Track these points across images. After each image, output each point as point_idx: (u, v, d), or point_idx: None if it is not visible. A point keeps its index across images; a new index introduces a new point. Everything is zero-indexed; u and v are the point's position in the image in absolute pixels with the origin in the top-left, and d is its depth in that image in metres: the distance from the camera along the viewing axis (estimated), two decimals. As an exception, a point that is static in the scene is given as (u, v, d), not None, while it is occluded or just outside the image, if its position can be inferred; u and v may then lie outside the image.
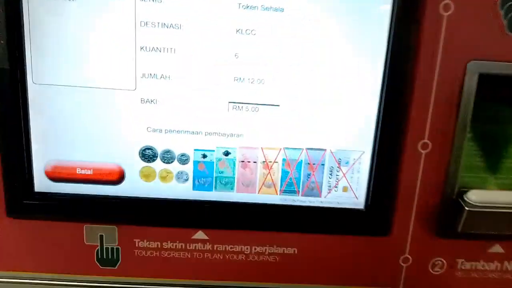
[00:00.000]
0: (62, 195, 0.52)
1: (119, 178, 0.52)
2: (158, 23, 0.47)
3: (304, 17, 0.47)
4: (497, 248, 0.56)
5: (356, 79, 0.49)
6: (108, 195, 0.52)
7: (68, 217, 0.53)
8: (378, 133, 0.51)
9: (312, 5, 0.47)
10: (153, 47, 0.48)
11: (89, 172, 0.52)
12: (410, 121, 0.50)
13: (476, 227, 0.53)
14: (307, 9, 0.47)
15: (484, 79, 0.49)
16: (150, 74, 0.49)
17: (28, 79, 0.48)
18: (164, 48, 0.48)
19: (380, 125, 0.50)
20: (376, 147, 0.51)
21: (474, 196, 0.52)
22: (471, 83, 0.49)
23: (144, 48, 0.48)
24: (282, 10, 0.47)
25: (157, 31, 0.47)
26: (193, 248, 0.54)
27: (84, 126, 0.50)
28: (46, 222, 0.53)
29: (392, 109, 0.50)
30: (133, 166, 0.52)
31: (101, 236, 0.53)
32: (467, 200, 0.52)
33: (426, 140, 0.51)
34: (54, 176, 0.52)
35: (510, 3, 0.48)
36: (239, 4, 0.47)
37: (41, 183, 0.52)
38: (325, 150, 0.52)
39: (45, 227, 0.53)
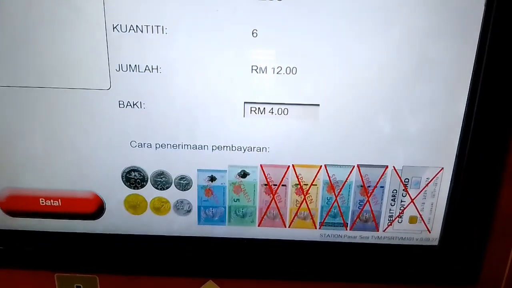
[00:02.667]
0: (24, 233, 0.38)
1: (97, 210, 0.37)
2: (138, -12, 0.31)
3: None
4: None
5: (434, 62, 0.32)
6: (84, 233, 0.38)
7: (33, 264, 0.38)
8: (467, 142, 0.34)
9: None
10: (132, 25, 0.32)
11: (56, 203, 0.37)
12: (517, 124, 0.33)
13: None
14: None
15: None
16: (130, 65, 0.33)
17: (-41, 79, 0.34)
18: (147, 27, 0.32)
19: (471, 130, 0.33)
20: (463, 162, 0.35)
21: None
22: None
23: (118, 27, 0.32)
24: (323, -39, 0.30)
25: (136, 2, 0.31)
26: (202, 303, 0.39)
27: (44, 142, 0.35)
28: (5, 271, 0.39)
29: (489, 108, 0.33)
30: (114, 194, 0.37)
31: (78, 288, 0.39)
32: None
33: (539, 152, 0.34)
34: (11, 209, 0.37)
35: None
36: (257, -47, 0.30)
37: (-6, 219, 0.38)
38: (386, 166, 0.36)
39: (4, 276, 0.39)
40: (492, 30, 0.31)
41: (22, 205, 0.37)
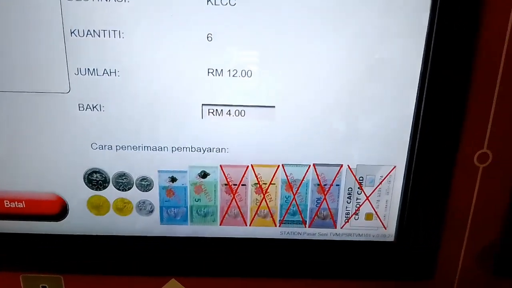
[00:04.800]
0: (-12, 235, 0.38)
1: (61, 211, 0.37)
2: (92, -8, 0.32)
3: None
4: None
5: (384, 62, 0.33)
6: (47, 234, 0.38)
7: (-3, 264, 0.39)
8: (417, 140, 0.35)
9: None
10: (89, 30, 0.32)
11: (20, 205, 0.37)
12: (464, 124, 0.34)
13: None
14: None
15: None
16: (88, 69, 0.33)
17: None
18: (104, 31, 0.32)
19: (419, 129, 0.34)
20: (414, 160, 0.35)
21: (551, 223, 0.37)
22: (555, 65, 0.33)
23: (76, 32, 0.32)
24: (272, -36, 0.31)
25: (92, 4, 0.32)
26: (164, 302, 0.40)
27: (7, 145, 0.35)
28: (-31, 272, 0.39)
29: (438, 106, 0.34)
30: (77, 195, 0.37)
31: (43, 288, 0.39)
32: (541, 229, 0.36)
33: (485, 150, 0.35)
34: (-26, 211, 0.38)
35: None
36: (209, -41, 0.31)
37: (-42, 221, 0.38)
38: (341, 165, 0.36)
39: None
40: (436, 32, 0.32)
41: (-14, 207, 0.37)
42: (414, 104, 0.34)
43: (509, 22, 0.31)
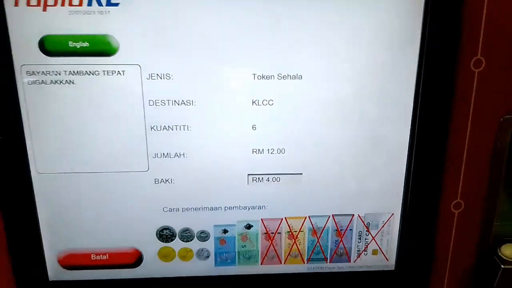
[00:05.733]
0: (78, 282, 0.48)
1: (137, 260, 0.48)
2: (168, 100, 0.42)
3: (322, 82, 0.43)
4: (535, 299, 0.52)
5: (383, 142, 0.45)
6: (126, 279, 0.48)
7: (86, 306, 0.48)
8: (408, 195, 0.46)
9: (331, 69, 0.42)
10: (164, 126, 0.43)
11: (104, 257, 0.47)
12: (443, 181, 0.46)
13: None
14: (326, 74, 0.42)
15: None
16: (163, 153, 0.44)
17: (31, 169, 0.43)
18: (176, 126, 0.43)
19: (409, 187, 0.46)
20: (406, 209, 0.47)
21: (509, 252, 0.48)
22: (504, 138, 0.45)
23: (155, 127, 0.43)
24: (300, 77, 0.43)
25: (167, 108, 0.42)
26: (221, 326, 0.50)
27: (96, 212, 0.45)
28: (63, 313, 0.48)
29: (422, 170, 0.45)
30: (150, 247, 0.47)
31: (123, 322, 0.49)
32: (502, 256, 0.48)
33: (459, 200, 0.47)
34: (68, 264, 0.47)
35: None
36: (254, 74, 0.42)
37: (55, 272, 0.47)
38: (352, 215, 0.48)
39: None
40: (420, 115, 0.44)
41: (77, 260, 0.47)
42: (404, 169, 0.46)
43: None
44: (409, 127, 0.44)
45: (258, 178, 0.46)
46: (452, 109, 0.43)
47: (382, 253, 0.49)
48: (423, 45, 0.41)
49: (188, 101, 0.42)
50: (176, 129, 0.43)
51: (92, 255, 0.47)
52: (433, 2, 0.40)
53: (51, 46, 0.40)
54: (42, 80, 0.41)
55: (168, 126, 0.43)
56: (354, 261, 0.50)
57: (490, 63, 0.42)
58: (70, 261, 0.47)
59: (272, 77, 0.42)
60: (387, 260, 0.50)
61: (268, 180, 0.46)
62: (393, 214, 0.48)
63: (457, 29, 0.41)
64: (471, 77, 0.42)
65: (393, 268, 0.50)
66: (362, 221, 0.48)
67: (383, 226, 0.48)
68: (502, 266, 0.47)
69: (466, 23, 0.41)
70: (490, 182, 0.46)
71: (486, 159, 0.45)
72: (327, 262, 0.49)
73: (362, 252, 0.49)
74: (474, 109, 0.43)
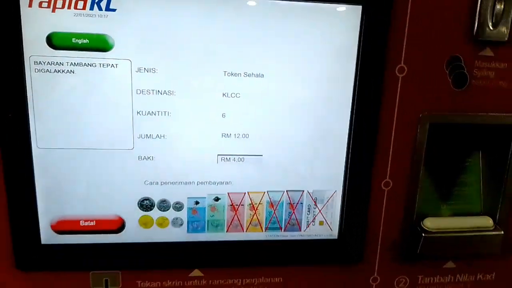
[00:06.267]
0: (68, 245, 0.55)
1: (120, 227, 0.55)
2: (153, 90, 0.51)
3: (281, 80, 0.53)
4: (450, 264, 0.63)
5: (328, 132, 0.55)
6: (110, 243, 0.56)
7: (74, 266, 0.55)
8: (348, 175, 0.57)
9: (287, 71, 0.52)
10: (149, 111, 0.52)
11: (92, 223, 0.55)
12: (374, 164, 0.56)
13: (432, 249, 0.60)
14: (283, 74, 0.53)
15: (434, 127, 0.57)
16: (147, 134, 0.52)
17: (33, 144, 0.51)
18: (159, 112, 0.52)
19: (348, 168, 0.57)
20: (346, 187, 0.58)
21: (429, 223, 0.59)
22: (423, 131, 0.56)
23: (141, 112, 0.51)
24: (262, 75, 0.52)
25: (152, 97, 0.51)
26: (190, 284, 0.58)
27: (87, 183, 0.53)
28: (54, 272, 0.55)
29: (358, 155, 0.56)
30: (132, 215, 0.55)
31: (106, 280, 0.56)
32: (424, 227, 0.59)
33: (388, 179, 0.57)
34: (60, 229, 0.54)
35: (454, 63, 0.55)
36: (225, 71, 0.52)
37: (48, 236, 0.54)
38: (303, 191, 0.58)
39: (53, 277, 0.55)
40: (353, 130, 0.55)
41: (68, 226, 0.54)
42: (344, 155, 0.56)
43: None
44: (348, 122, 0.55)
45: (226, 158, 0.55)
46: (381, 107, 0.54)
47: (327, 224, 0.59)
48: (358, 57, 0.52)
49: (169, 91, 0.51)
50: (158, 115, 0.52)
51: (81, 221, 0.55)
52: (366, 23, 0.51)
53: (57, 41, 0.48)
54: (47, 69, 0.49)
55: (152, 112, 0.52)
56: (304, 231, 0.59)
57: (411, 70, 0.53)
58: (61, 227, 0.54)
59: (240, 74, 0.52)
60: (331, 230, 0.60)
61: (234, 160, 0.55)
62: (336, 191, 0.58)
63: (384, 43, 0.52)
64: (396, 81, 0.54)
65: (336, 237, 0.60)
66: (311, 196, 0.58)
67: (327, 201, 0.58)
68: (424, 234, 0.59)
69: (392, 38, 0.52)
70: (412, 164, 0.57)
71: (409, 147, 0.56)
72: (281, 231, 0.59)
73: (310, 222, 0.59)
74: (398, 107, 0.55)
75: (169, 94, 0.51)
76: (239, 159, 0.55)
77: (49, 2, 0.46)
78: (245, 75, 0.52)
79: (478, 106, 0.56)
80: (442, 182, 0.62)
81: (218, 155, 0.55)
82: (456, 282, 0.64)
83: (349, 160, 0.56)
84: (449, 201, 0.63)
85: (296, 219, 0.59)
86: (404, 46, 0.53)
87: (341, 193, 0.58)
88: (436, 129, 0.56)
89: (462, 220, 0.60)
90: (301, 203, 0.58)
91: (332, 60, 0.53)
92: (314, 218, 0.59)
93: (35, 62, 0.48)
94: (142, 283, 0.57)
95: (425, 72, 0.54)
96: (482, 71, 0.54)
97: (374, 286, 0.62)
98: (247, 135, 0.54)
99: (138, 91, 0.51)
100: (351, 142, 0.55)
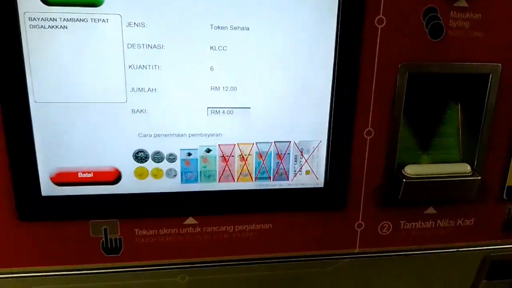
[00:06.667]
0: (67, 197, 0.58)
1: (117, 178, 0.58)
2: (143, 44, 0.53)
3: (266, 33, 0.55)
4: (431, 210, 0.67)
5: (312, 84, 0.58)
6: (108, 194, 0.59)
7: (74, 216, 0.58)
8: (331, 125, 0.60)
9: (272, 24, 0.55)
10: (140, 65, 0.54)
11: (89, 175, 0.58)
12: (357, 114, 0.59)
13: (413, 195, 0.64)
14: (267, 27, 0.55)
15: (413, 77, 0.59)
16: (139, 88, 0.55)
17: (30, 99, 0.53)
18: (149, 66, 0.54)
19: (332, 119, 0.59)
20: (330, 137, 0.61)
21: (410, 170, 0.63)
22: (402, 81, 0.59)
23: (132, 66, 0.54)
24: (248, 29, 0.55)
25: (142, 51, 0.53)
26: (185, 232, 0.61)
27: (83, 136, 0.56)
28: (54, 222, 0.58)
29: (341, 105, 0.59)
30: (128, 167, 0.58)
31: (105, 229, 0.60)
32: (404, 173, 0.63)
33: (370, 128, 0.61)
34: (59, 181, 0.57)
35: (430, 14, 0.57)
36: (211, 25, 0.54)
37: (47, 188, 0.57)
38: (290, 142, 0.61)
39: (54, 227, 0.59)
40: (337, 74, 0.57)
41: (67, 178, 0.57)
42: (328, 106, 0.59)
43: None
44: (331, 74, 0.58)
45: (216, 110, 0.58)
46: (362, 58, 0.57)
47: (313, 173, 0.63)
48: (339, 8, 0.55)
49: (159, 45, 0.54)
50: (149, 68, 0.54)
51: (79, 173, 0.57)
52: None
53: (50, -3, 0.50)
54: (41, 25, 0.51)
55: (143, 65, 0.54)
56: (292, 180, 0.63)
57: (390, 21, 0.56)
58: (60, 179, 0.57)
59: (226, 28, 0.54)
60: (317, 179, 0.63)
61: (224, 113, 0.58)
62: (321, 141, 0.61)
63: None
64: (376, 32, 0.56)
65: (322, 186, 0.63)
66: (297, 146, 0.61)
67: (313, 151, 0.62)
68: (404, 180, 0.62)
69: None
70: (392, 113, 0.60)
71: (389, 97, 0.59)
72: (270, 180, 0.62)
73: (297, 172, 0.62)
74: (378, 57, 0.57)
75: (159, 48, 0.54)
76: (228, 112, 0.58)
77: (40, -43, 0.48)
78: (231, 28, 0.54)
79: (455, 56, 0.59)
80: (422, 132, 0.65)
81: (208, 107, 0.57)
82: (437, 227, 0.68)
83: (332, 111, 0.59)
84: (429, 151, 0.66)
85: (284, 169, 0.62)
86: (382, -2, 0.55)
87: (325, 143, 0.61)
88: (415, 79, 0.59)
89: (441, 167, 0.64)
90: (288, 154, 0.61)
91: (314, 13, 0.55)
92: (301, 168, 0.62)
93: (30, 18, 0.50)
94: (139, 231, 0.60)
95: (403, 23, 0.56)
96: (458, 22, 0.57)
97: (359, 231, 0.66)
98: (235, 88, 0.57)
99: (129, 45, 0.53)
100: (333, 93, 0.58)
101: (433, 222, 0.68)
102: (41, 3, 0.50)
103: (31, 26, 0.50)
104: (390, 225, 0.67)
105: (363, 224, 0.66)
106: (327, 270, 0.68)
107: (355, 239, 0.67)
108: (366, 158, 0.62)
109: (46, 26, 0.51)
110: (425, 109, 0.64)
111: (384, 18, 0.56)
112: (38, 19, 0.50)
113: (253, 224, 0.63)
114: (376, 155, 0.62)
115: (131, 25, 0.52)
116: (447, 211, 0.67)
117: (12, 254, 0.59)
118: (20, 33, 0.50)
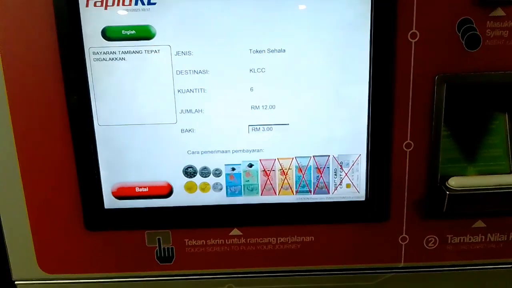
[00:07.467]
0: (126, 209, 0.64)
1: (169, 192, 0.64)
2: (190, 70, 0.59)
3: (301, 54, 0.59)
4: (479, 224, 0.65)
5: (348, 98, 0.60)
6: (161, 206, 0.64)
7: (132, 226, 0.65)
8: (369, 139, 0.61)
9: (306, 45, 0.58)
10: (188, 89, 0.60)
11: (145, 189, 0.64)
12: (395, 127, 0.60)
13: (458, 207, 0.62)
14: (302, 48, 0.58)
15: (452, 88, 0.59)
16: (187, 109, 0.60)
17: (94, 122, 0.61)
18: (196, 89, 0.60)
19: (370, 132, 0.61)
20: (369, 150, 0.62)
21: (453, 182, 0.62)
22: (440, 93, 0.59)
23: (181, 90, 0.60)
24: (284, 51, 0.59)
25: (189, 77, 0.59)
26: (231, 242, 0.65)
27: (140, 154, 0.62)
28: (115, 232, 0.65)
29: (378, 118, 0.60)
30: (179, 181, 0.64)
31: (159, 239, 0.65)
32: (448, 186, 0.62)
33: (409, 141, 0.61)
34: (119, 195, 0.64)
35: (465, 26, 0.58)
36: (250, 49, 0.58)
37: (109, 202, 0.64)
38: (328, 156, 0.63)
39: (114, 237, 0.65)
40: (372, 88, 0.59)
41: (126, 192, 0.64)
42: (366, 120, 0.61)
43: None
44: (367, 88, 0.60)
45: (256, 128, 0.62)
46: (397, 71, 0.58)
47: (354, 186, 0.64)
48: (371, 26, 0.57)
49: (204, 71, 0.59)
50: (196, 92, 0.60)
51: (136, 187, 0.64)
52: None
53: (110, 34, 0.57)
54: (103, 58, 0.58)
55: (190, 89, 0.60)
56: (332, 193, 0.64)
57: (423, 34, 0.57)
58: (120, 193, 0.64)
59: (264, 51, 0.58)
60: (358, 192, 0.64)
61: (264, 130, 0.62)
62: (360, 154, 0.63)
63: (395, 11, 0.56)
64: (409, 46, 0.57)
65: (363, 199, 0.64)
66: (336, 160, 0.63)
67: (353, 165, 0.63)
68: (448, 192, 0.61)
69: (401, 5, 0.56)
70: (432, 125, 0.60)
71: (427, 108, 0.59)
72: (311, 194, 0.64)
73: (338, 185, 0.64)
74: (414, 71, 0.58)
75: (204, 73, 0.59)
76: (267, 128, 0.62)
77: (102, 1, 0.56)
78: (269, 51, 0.58)
79: (494, 66, 0.58)
80: (466, 143, 0.64)
81: (249, 125, 0.61)
82: (487, 242, 0.66)
83: (370, 125, 0.61)
84: (475, 163, 0.65)
85: (324, 182, 0.64)
86: (415, 12, 0.56)
87: (365, 156, 0.63)
88: (454, 90, 0.59)
89: (487, 179, 0.62)
90: (328, 167, 0.63)
91: (348, 30, 0.58)
92: (341, 181, 0.64)
93: (94, 53, 0.58)
94: (189, 241, 0.65)
95: (437, 36, 0.57)
96: (495, 31, 0.57)
97: (403, 245, 0.66)
98: (273, 106, 0.61)
99: (178, 72, 0.59)
100: (370, 107, 0.60)
101: (483, 236, 0.65)
102: (103, 39, 0.58)
103: (95, 59, 0.58)
104: (437, 239, 0.65)
105: (408, 237, 0.65)
106: (371, 284, 0.68)
107: (400, 253, 0.66)
108: (407, 170, 0.62)
109: (107, 59, 0.58)
110: (468, 120, 0.64)
111: (417, 32, 0.57)
112: (101, 52, 0.58)
113: (295, 236, 0.65)
114: (417, 167, 0.62)
115: (179, 54, 0.59)
116: (498, 224, 0.65)
117: (78, 261, 0.67)
118: (86, 65, 0.58)
